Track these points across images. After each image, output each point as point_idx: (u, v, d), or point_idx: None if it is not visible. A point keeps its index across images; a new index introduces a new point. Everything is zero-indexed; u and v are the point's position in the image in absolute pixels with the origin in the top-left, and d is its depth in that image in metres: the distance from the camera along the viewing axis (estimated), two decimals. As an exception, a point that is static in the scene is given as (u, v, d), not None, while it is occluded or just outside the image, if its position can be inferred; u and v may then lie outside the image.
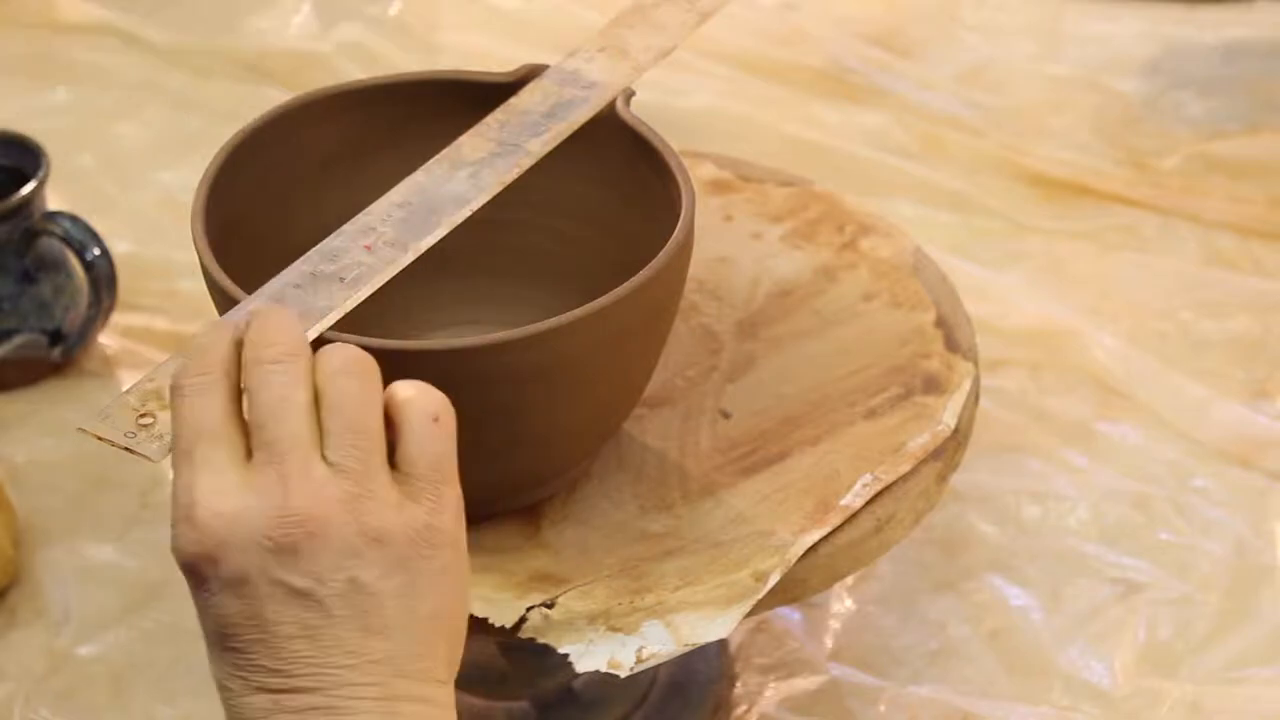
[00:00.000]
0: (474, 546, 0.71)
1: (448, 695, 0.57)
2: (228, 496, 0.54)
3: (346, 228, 0.68)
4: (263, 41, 1.30)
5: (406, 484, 0.57)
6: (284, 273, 0.66)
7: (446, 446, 0.57)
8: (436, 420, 0.57)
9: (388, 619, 0.55)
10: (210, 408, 0.56)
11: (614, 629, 0.69)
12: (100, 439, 0.59)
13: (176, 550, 0.55)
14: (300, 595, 0.54)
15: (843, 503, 0.73)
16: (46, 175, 1.01)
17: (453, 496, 0.58)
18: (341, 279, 0.66)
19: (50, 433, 1.01)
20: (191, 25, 1.33)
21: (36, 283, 1.02)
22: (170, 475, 0.97)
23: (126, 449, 0.59)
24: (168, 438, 0.59)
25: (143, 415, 0.60)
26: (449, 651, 0.58)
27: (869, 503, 0.74)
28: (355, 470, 0.55)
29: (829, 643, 0.89)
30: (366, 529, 0.55)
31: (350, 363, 0.57)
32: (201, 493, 0.54)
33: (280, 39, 1.31)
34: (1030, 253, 1.13)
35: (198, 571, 0.55)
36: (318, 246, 0.68)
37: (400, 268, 0.67)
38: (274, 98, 0.82)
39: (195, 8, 1.35)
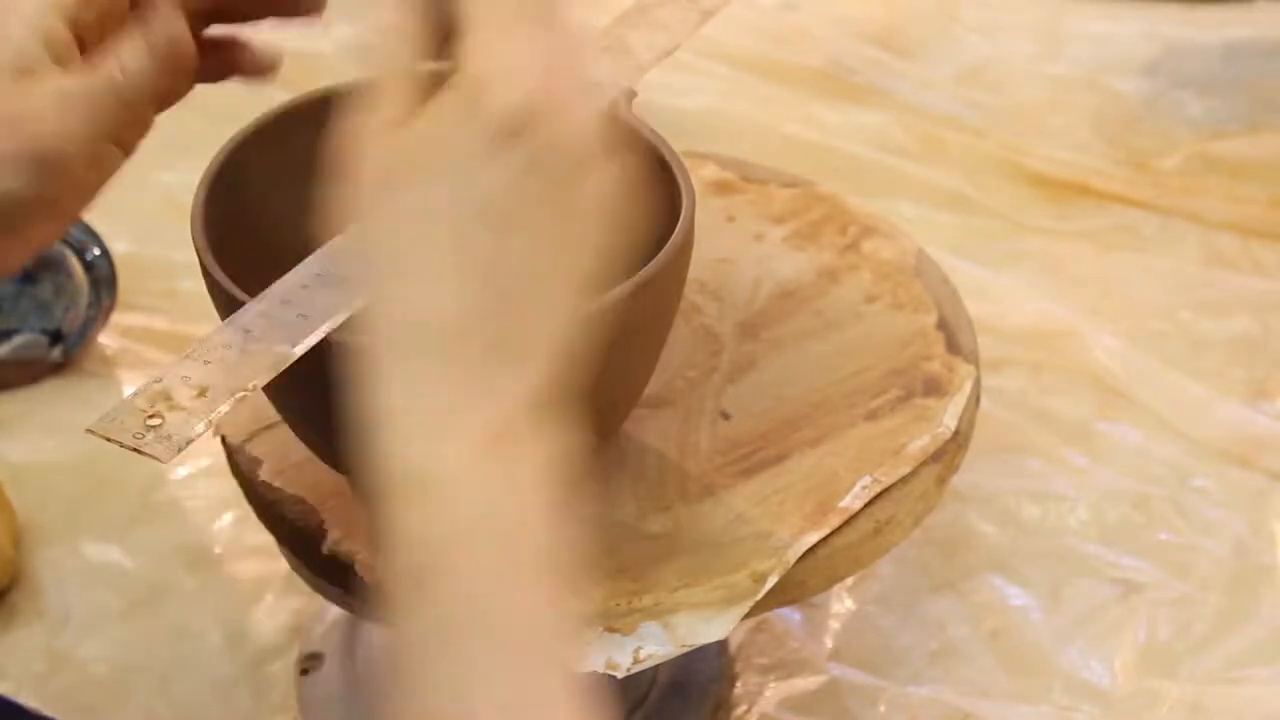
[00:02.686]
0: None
1: None
2: None
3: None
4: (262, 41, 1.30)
5: None
6: (291, 273, 0.66)
7: None
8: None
9: None
10: None
11: (612, 629, 0.69)
12: (109, 440, 0.59)
13: None
14: None
15: (842, 505, 0.73)
16: (46, 175, 1.00)
17: None
18: (348, 279, 0.66)
19: (50, 433, 1.01)
20: (191, 25, 1.33)
21: (36, 283, 1.02)
22: (170, 477, 0.98)
23: (136, 450, 0.59)
24: (176, 438, 0.59)
25: (151, 416, 0.60)
26: None
27: (868, 505, 0.74)
28: None
29: (829, 643, 0.89)
30: None
31: None
32: None
33: (280, 39, 1.31)
34: (1030, 253, 1.13)
35: None
36: (324, 246, 0.68)
37: (404, 268, 0.67)
38: (274, 98, 0.82)
39: (195, 7, 1.35)
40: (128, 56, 0.63)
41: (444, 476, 0.49)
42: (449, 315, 0.51)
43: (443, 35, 0.57)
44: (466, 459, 0.49)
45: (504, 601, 0.49)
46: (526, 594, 0.49)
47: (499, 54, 0.51)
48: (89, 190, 0.64)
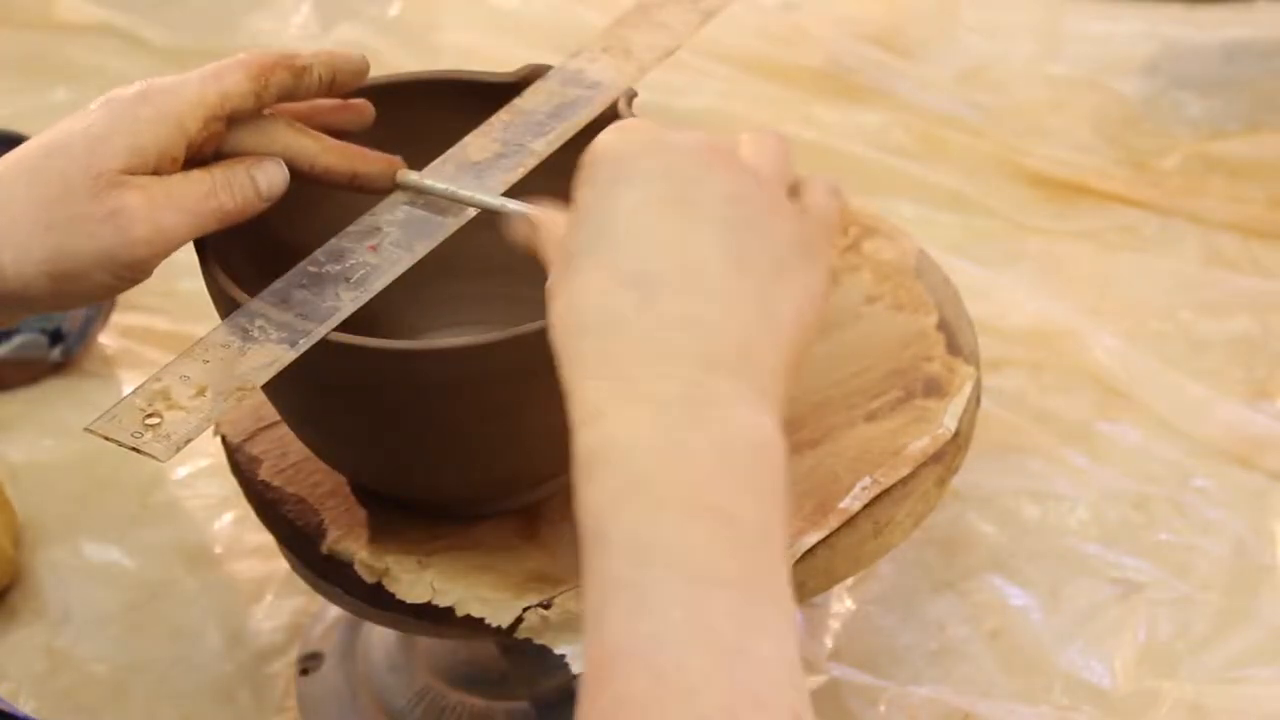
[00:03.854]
0: (472, 546, 0.72)
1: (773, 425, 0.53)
2: None
3: (352, 228, 0.69)
4: (262, 41, 1.30)
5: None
6: (289, 273, 0.67)
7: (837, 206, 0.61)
8: (834, 191, 0.62)
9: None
10: None
11: (613, 629, 0.69)
12: (108, 439, 0.59)
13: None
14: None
15: (841, 505, 0.73)
16: (46, 175, 1.01)
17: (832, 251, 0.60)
18: (347, 279, 0.66)
19: (50, 433, 1.01)
20: (191, 25, 1.33)
21: (36, 282, 1.02)
22: (170, 476, 0.98)
23: (134, 449, 0.59)
24: (174, 438, 0.59)
25: (149, 415, 0.60)
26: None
27: (868, 506, 0.74)
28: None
29: (829, 643, 0.89)
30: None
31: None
32: None
33: (280, 39, 1.31)
34: (1030, 253, 1.13)
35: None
36: (323, 246, 0.68)
37: (405, 268, 0.67)
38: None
39: (195, 8, 1.35)
40: (238, 187, 0.68)
41: (615, 448, 0.50)
42: (616, 308, 0.53)
43: None
44: (637, 429, 0.50)
45: (670, 546, 0.49)
46: (695, 537, 0.49)
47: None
48: None
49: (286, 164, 0.69)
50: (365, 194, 0.70)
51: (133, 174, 0.65)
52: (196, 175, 0.67)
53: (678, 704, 0.46)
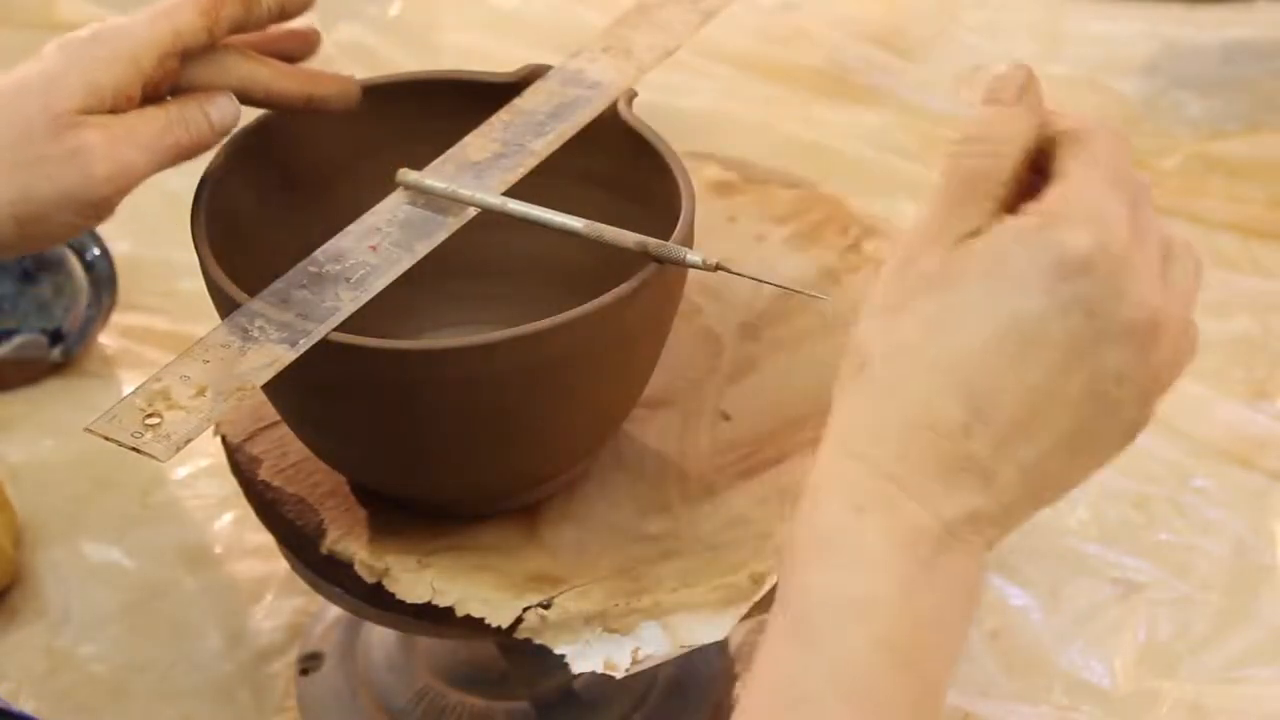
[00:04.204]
0: (472, 546, 0.72)
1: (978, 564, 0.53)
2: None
3: (352, 228, 0.69)
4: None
5: None
6: (289, 273, 0.67)
7: None
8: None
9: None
10: None
11: (610, 630, 0.69)
12: (108, 439, 0.59)
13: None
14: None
15: (843, 504, 0.73)
16: (46, 175, 1.00)
17: None
18: (347, 279, 0.66)
19: (50, 433, 1.01)
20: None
21: (36, 283, 1.02)
22: (170, 476, 0.98)
23: (134, 449, 0.59)
24: (174, 438, 0.59)
25: (149, 415, 0.60)
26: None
27: (869, 504, 0.74)
28: None
29: (829, 643, 0.89)
30: None
31: None
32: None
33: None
34: (1030, 253, 1.13)
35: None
36: (323, 247, 0.68)
37: (405, 268, 0.67)
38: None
39: (195, 7, 1.35)
40: (192, 123, 0.69)
41: (858, 549, 0.50)
42: (938, 414, 0.51)
43: None
44: (884, 544, 0.50)
45: (867, 678, 0.50)
46: (892, 682, 0.50)
47: (1083, 202, 0.52)
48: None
49: (242, 93, 0.70)
50: (322, 115, 0.72)
51: (90, 113, 0.66)
52: (152, 112, 0.68)
53: None
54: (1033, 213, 0.52)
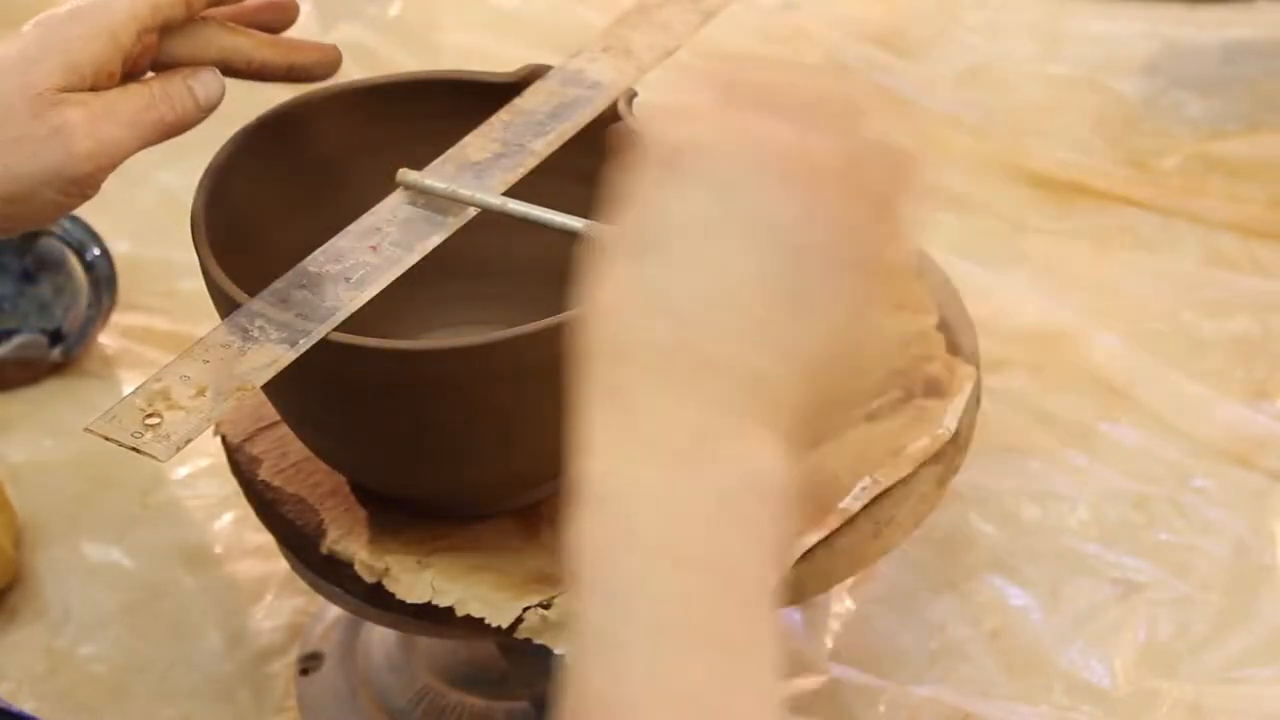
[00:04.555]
0: (472, 546, 0.72)
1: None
2: None
3: (352, 228, 0.69)
4: (263, 41, 1.30)
5: None
6: (290, 273, 0.67)
7: None
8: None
9: None
10: None
11: (612, 630, 0.69)
12: (108, 439, 0.59)
13: None
14: None
15: (842, 506, 0.73)
16: (46, 175, 1.00)
17: None
18: (347, 279, 0.66)
19: (50, 433, 1.01)
20: (191, 25, 1.33)
21: (36, 283, 1.02)
22: (170, 476, 0.98)
23: (134, 449, 0.59)
24: (174, 438, 0.59)
25: (149, 415, 0.60)
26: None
27: (868, 506, 0.74)
28: None
29: (829, 643, 0.89)
30: None
31: None
32: None
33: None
34: (1030, 253, 1.13)
35: None
36: (323, 246, 0.68)
37: (405, 268, 0.67)
38: (274, 98, 0.82)
39: (195, 7, 1.35)
40: (176, 98, 0.69)
41: (615, 488, 0.47)
42: (649, 334, 0.49)
43: None
44: (642, 472, 0.47)
45: (660, 601, 0.46)
46: (688, 593, 0.47)
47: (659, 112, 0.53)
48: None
49: (224, 65, 0.71)
50: (304, 84, 0.73)
51: (70, 91, 0.66)
52: (135, 89, 0.68)
53: None
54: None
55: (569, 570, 0.48)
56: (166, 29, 0.69)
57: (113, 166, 0.68)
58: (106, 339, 1.06)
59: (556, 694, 0.47)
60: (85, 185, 0.67)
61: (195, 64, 0.70)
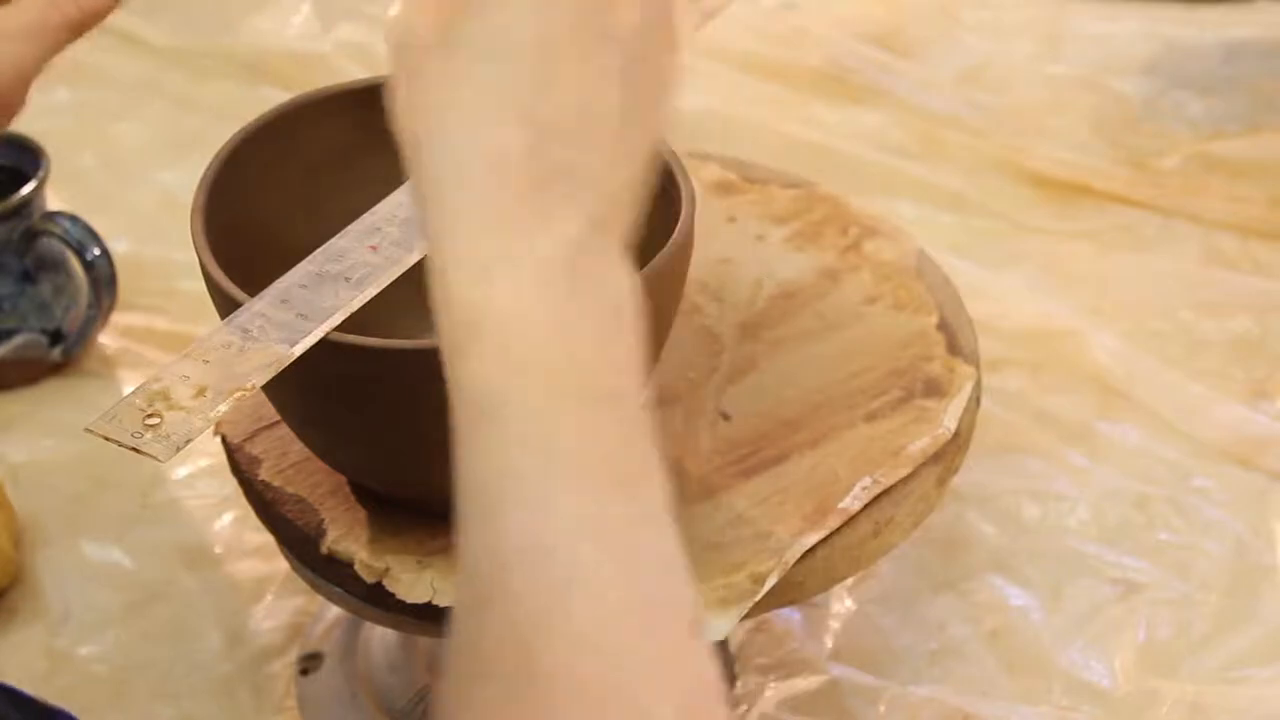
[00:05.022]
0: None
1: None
2: None
3: (352, 228, 0.69)
4: (262, 42, 1.30)
5: None
6: (290, 273, 0.67)
7: None
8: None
9: None
10: None
11: (612, 629, 0.69)
12: (108, 439, 0.59)
13: None
14: None
15: (841, 505, 0.73)
16: (46, 175, 1.01)
17: None
18: (347, 279, 0.66)
19: (50, 433, 1.01)
20: (191, 25, 1.33)
21: (36, 283, 1.02)
22: (170, 476, 0.98)
23: (134, 449, 0.59)
24: (174, 438, 0.59)
25: (149, 416, 0.60)
26: None
27: (868, 506, 0.74)
28: None
29: (829, 643, 0.89)
30: None
31: None
32: None
33: (280, 39, 1.31)
34: (1030, 253, 1.13)
35: None
36: (323, 246, 0.68)
37: (405, 268, 0.67)
38: (274, 98, 0.82)
39: (194, 8, 1.35)
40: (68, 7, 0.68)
41: (499, 317, 0.46)
42: (503, 148, 0.47)
43: None
44: (522, 297, 0.46)
45: (568, 435, 0.45)
46: (590, 426, 0.46)
47: None
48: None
49: None
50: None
51: None
52: (25, 3, 0.68)
53: (585, 605, 0.44)
54: None
55: (457, 404, 0.46)
56: None
57: (28, 81, 0.67)
58: (106, 339, 1.06)
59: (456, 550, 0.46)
60: (2, 109, 0.67)
61: None
